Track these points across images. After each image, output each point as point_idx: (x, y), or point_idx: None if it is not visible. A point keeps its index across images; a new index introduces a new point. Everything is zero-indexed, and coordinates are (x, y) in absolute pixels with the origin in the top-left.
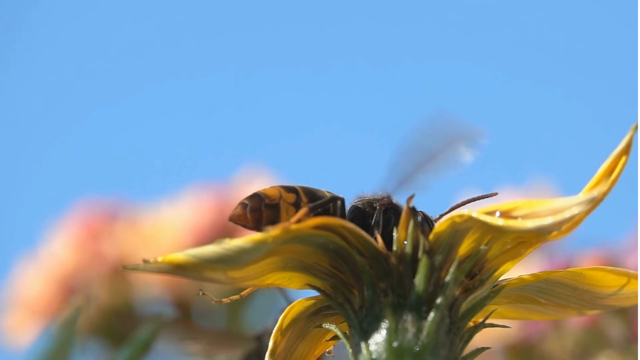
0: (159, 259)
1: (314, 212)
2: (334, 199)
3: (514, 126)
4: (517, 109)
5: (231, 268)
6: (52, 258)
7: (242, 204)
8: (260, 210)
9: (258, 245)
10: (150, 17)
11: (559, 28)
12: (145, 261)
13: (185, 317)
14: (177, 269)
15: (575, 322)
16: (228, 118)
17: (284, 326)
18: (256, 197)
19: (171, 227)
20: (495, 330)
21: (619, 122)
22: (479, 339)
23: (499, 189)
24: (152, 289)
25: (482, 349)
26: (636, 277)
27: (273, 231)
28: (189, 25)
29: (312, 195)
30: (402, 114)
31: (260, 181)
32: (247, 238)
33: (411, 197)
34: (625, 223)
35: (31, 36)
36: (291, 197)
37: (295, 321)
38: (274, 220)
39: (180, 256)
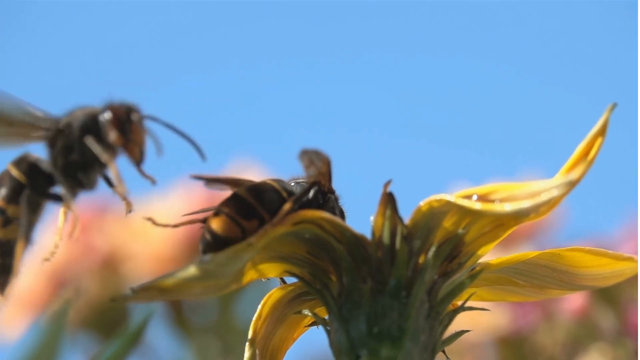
0: (147, 285)
1: (297, 204)
2: (312, 186)
3: (504, 118)
4: (507, 101)
5: (218, 281)
6: (43, 251)
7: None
8: (227, 245)
9: (241, 255)
10: (145, 17)
11: (547, 21)
12: (133, 290)
13: (176, 311)
14: (165, 293)
15: (566, 314)
16: (218, 111)
17: (263, 314)
18: (218, 244)
19: (161, 220)
20: (486, 322)
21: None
22: (470, 333)
23: (489, 179)
24: (142, 282)
25: (461, 332)
26: (615, 257)
27: (254, 239)
28: (180, 23)
29: (264, 198)
30: (389, 107)
31: (250, 174)
32: (230, 250)
33: (388, 183)
34: (616, 215)
35: (28, 32)
36: (253, 225)
37: (274, 308)
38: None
39: (166, 280)
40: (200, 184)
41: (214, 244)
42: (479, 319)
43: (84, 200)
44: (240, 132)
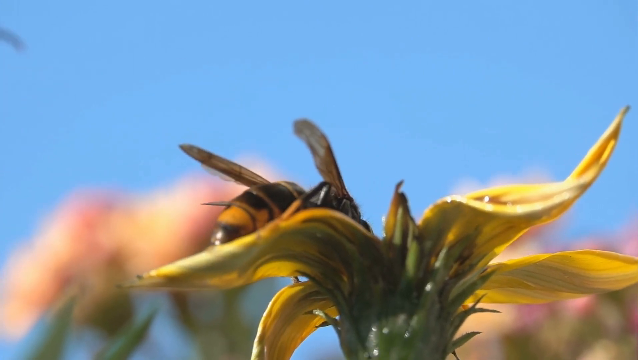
0: (153, 273)
1: (307, 202)
2: (322, 185)
3: (510, 117)
4: (513, 100)
5: (225, 273)
6: (48, 248)
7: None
8: (239, 234)
9: (249, 248)
10: (146, 12)
11: (551, 19)
12: (139, 277)
13: (181, 308)
14: (172, 281)
15: (571, 311)
16: (223, 108)
17: (273, 311)
18: (229, 233)
19: (167, 217)
20: (491, 320)
21: (616, 110)
22: (475, 330)
23: (495, 178)
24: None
25: (472, 334)
26: (626, 261)
27: (263, 232)
28: (183, 19)
29: (274, 194)
30: (394, 105)
31: (255, 171)
32: (238, 242)
33: (400, 183)
34: (621, 213)
35: (26, 28)
36: (263, 215)
37: (284, 306)
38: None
39: (173, 268)
40: (204, 182)
41: (226, 234)
42: (484, 317)
43: (89, 197)
44: (246, 130)
